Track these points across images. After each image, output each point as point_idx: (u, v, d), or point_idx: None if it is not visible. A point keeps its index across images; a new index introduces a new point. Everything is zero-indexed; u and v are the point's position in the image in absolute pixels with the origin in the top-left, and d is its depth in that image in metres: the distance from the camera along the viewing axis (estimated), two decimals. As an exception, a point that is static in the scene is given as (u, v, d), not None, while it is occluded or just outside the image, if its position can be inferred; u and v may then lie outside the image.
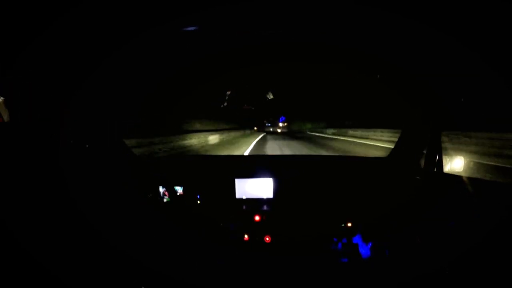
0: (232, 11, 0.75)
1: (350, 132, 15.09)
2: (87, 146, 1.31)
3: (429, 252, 1.13)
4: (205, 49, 1.02)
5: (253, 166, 1.77)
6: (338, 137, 14.64)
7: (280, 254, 1.53)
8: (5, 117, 0.88)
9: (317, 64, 1.23)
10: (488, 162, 5.05)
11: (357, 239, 1.57)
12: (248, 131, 20.88)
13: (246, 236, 1.60)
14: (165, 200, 1.69)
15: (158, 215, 1.60)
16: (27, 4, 0.68)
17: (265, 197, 1.68)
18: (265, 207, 1.67)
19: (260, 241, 1.59)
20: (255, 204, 1.68)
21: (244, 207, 1.68)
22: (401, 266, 1.25)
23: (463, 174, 1.23)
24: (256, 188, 1.68)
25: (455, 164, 1.35)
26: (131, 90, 1.47)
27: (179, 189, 1.68)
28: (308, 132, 23.10)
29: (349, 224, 1.59)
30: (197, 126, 11.15)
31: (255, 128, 27.24)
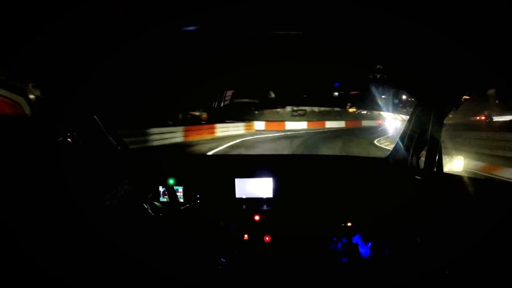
0: (232, 11, 0.75)
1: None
2: (87, 145, 1.31)
3: (429, 252, 1.13)
4: (205, 49, 1.02)
5: (253, 166, 1.77)
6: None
7: (280, 253, 1.53)
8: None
9: (317, 65, 1.22)
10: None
11: (357, 239, 1.57)
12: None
13: (246, 236, 1.60)
14: (164, 200, 1.69)
15: (157, 215, 1.60)
16: (27, 4, 0.68)
17: (265, 196, 1.68)
18: (265, 207, 1.68)
19: (260, 241, 1.59)
20: (255, 203, 1.68)
21: (244, 206, 1.68)
22: (401, 266, 1.25)
23: (463, 174, 1.23)
24: (256, 187, 1.69)
25: (455, 164, 1.35)
26: (132, 90, 1.47)
27: (179, 189, 1.68)
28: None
29: (349, 224, 1.59)
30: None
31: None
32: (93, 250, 1.05)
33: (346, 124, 19.81)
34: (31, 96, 0.90)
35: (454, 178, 1.22)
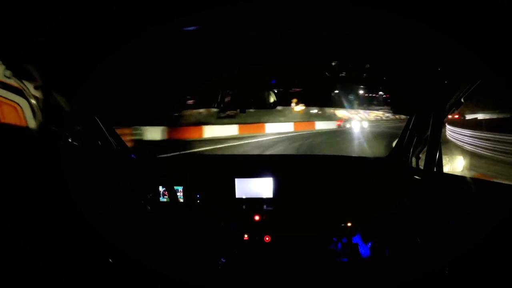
0: (232, 11, 0.75)
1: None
2: (88, 143, 1.31)
3: (429, 252, 1.12)
4: (205, 49, 1.02)
5: (253, 166, 1.77)
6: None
7: (280, 253, 1.53)
8: None
9: (316, 64, 1.23)
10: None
11: (357, 239, 1.57)
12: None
13: (246, 236, 1.60)
14: (164, 200, 1.69)
15: (158, 215, 1.60)
16: (27, 4, 0.68)
17: (265, 196, 1.68)
18: (265, 207, 1.68)
19: (260, 241, 1.59)
20: (255, 203, 1.68)
21: (244, 206, 1.68)
22: (401, 266, 1.25)
23: (463, 174, 1.23)
24: (256, 187, 1.68)
25: (455, 164, 1.34)
26: (132, 90, 1.47)
27: (179, 189, 1.68)
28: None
29: (349, 224, 1.59)
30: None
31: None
32: (93, 250, 1.05)
33: (294, 126, 14.80)
34: (32, 98, 0.89)
35: (454, 178, 1.22)
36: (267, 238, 1.59)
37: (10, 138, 0.90)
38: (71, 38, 0.84)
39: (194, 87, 1.59)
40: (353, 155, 5.85)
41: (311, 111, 17.77)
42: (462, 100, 1.16)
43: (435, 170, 1.22)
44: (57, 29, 0.77)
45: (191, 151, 8.31)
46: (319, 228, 1.57)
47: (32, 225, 0.85)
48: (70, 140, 1.09)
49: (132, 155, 1.67)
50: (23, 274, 0.80)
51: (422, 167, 1.39)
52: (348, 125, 16.45)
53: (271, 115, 14.53)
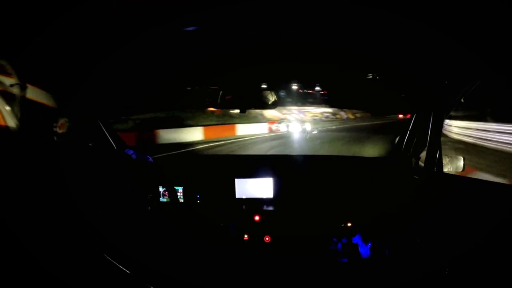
0: (232, 11, 0.75)
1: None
2: (90, 145, 1.31)
3: (429, 252, 1.12)
4: (205, 49, 1.02)
5: (253, 166, 1.77)
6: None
7: (280, 254, 1.53)
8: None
9: (316, 64, 1.22)
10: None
11: (357, 239, 1.57)
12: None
13: (246, 236, 1.60)
14: (164, 200, 1.69)
15: (158, 215, 1.60)
16: (27, 4, 0.68)
17: (265, 197, 1.68)
18: (265, 207, 1.68)
19: (260, 241, 1.59)
20: (255, 204, 1.68)
21: (244, 207, 1.68)
22: (401, 266, 1.25)
23: (463, 174, 1.23)
24: (256, 188, 1.68)
25: (455, 164, 1.35)
26: (131, 90, 1.47)
27: (179, 189, 1.68)
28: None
29: (349, 224, 1.59)
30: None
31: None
32: (93, 250, 1.05)
33: (204, 133, 11.03)
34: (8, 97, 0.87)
35: (454, 178, 1.22)
36: (267, 238, 1.59)
37: (8, 136, 0.90)
38: (71, 38, 0.84)
39: (194, 87, 1.59)
40: (354, 155, 5.86)
41: (230, 111, 12.99)
42: (462, 100, 1.16)
43: (435, 170, 1.22)
44: (57, 29, 0.77)
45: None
46: (319, 228, 1.57)
47: (32, 225, 0.85)
48: (58, 139, 1.06)
49: (149, 158, 1.66)
50: (23, 274, 0.80)
51: (422, 167, 1.39)
52: (283, 129, 12.76)
53: (167, 120, 10.19)
